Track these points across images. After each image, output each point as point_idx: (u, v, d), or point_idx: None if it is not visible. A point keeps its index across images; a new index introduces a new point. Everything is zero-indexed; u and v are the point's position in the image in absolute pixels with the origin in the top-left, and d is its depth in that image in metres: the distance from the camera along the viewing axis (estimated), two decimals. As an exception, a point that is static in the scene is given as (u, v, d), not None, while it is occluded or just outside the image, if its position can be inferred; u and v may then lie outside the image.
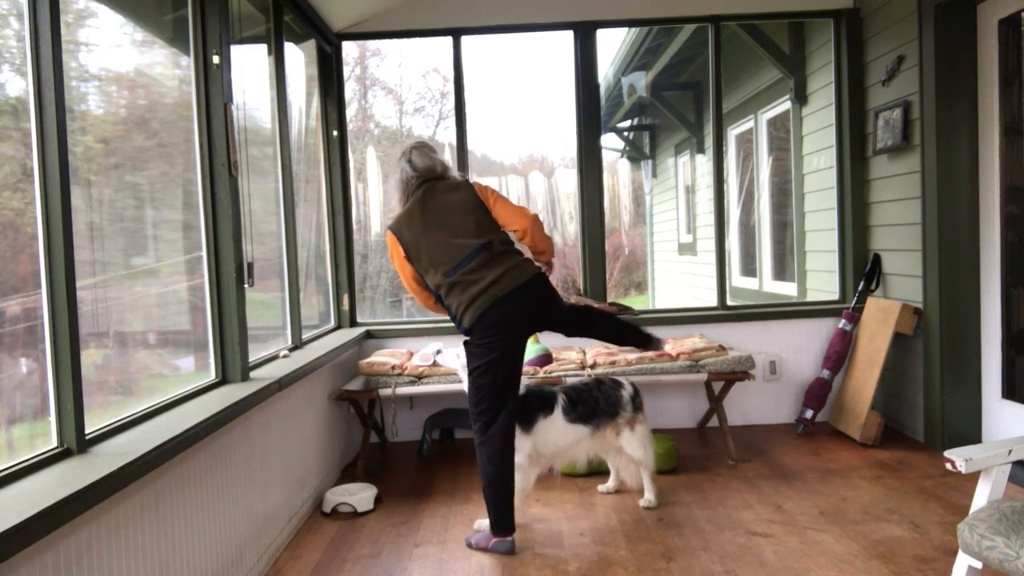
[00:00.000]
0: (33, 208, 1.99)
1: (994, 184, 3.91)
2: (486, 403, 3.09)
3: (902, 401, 4.51)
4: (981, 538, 1.99)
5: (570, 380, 3.77)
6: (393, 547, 3.25)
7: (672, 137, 8.90)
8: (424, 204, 3.15)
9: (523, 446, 3.29)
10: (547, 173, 7.22)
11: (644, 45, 7.01)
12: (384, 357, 4.41)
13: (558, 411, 3.39)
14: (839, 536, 3.13)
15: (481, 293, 3.02)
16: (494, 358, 3.05)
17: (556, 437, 3.40)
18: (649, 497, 3.59)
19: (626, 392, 3.55)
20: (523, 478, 3.31)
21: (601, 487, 3.83)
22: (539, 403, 3.38)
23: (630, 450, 3.54)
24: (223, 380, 3.01)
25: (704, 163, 7.54)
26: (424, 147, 3.29)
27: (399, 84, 6.89)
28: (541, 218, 3.26)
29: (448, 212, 3.13)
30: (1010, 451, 2.15)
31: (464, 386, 3.29)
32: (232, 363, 3.02)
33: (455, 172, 3.33)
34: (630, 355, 4.26)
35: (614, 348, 4.48)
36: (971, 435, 4.06)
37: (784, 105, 6.08)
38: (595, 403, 3.46)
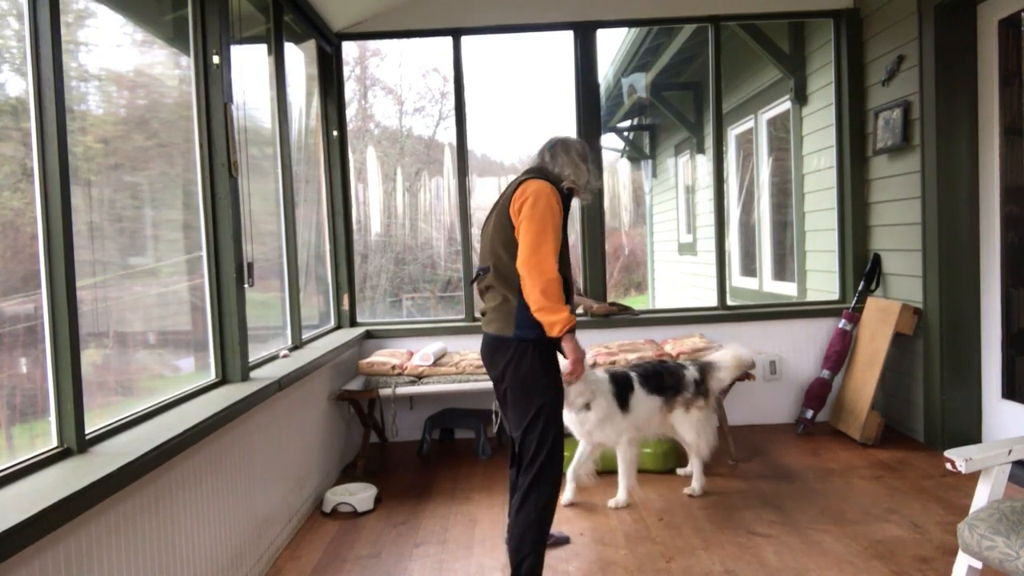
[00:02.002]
0: (33, 208, 2.00)
1: (994, 184, 3.91)
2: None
3: (902, 401, 4.51)
4: (981, 538, 1.99)
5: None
6: (393, 547, 3.25)
7: (672, 137, 8.89)
8: (498, 200, 2.81)
9: (625, 428, 3.47)
10: (547, 173, 7.19)
11: (644, 45, 7.01)
12: (384, 357, 4.41)
13: (637, 386, 3.57)
14: (839, 536, 3.13)
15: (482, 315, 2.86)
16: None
17: (644, 409, 3.58)
18: (695, 486, 3.68)
19: (689, 374, 3.70)
20: (633, 456, 3.51)
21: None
22: (623, 383, 3.52)
23: (681, 431, 3.68)
24: (223, 380, 3.01)
25: (704, 163, 7.54)
26: (558, 145, 2.80)
27: (399, 84, 6.91)
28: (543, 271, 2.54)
29: (491, 216, 2.79)
30: (1010, 451, 2.15)
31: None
32: (232, 363, 3.02)
33: (543, 165, 2.77)
34: (629, 355, 4.26)
35: (613, 347, 4.48)
36: (971, 435, 4.06)
37: (784, 105, 6.08)
38: (661, 378, 3.64)
